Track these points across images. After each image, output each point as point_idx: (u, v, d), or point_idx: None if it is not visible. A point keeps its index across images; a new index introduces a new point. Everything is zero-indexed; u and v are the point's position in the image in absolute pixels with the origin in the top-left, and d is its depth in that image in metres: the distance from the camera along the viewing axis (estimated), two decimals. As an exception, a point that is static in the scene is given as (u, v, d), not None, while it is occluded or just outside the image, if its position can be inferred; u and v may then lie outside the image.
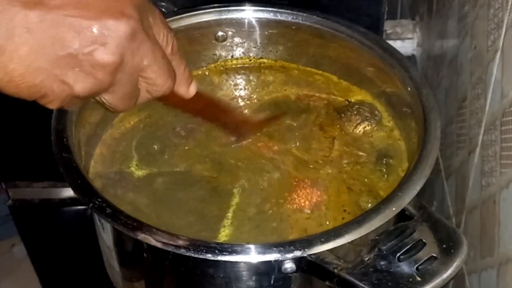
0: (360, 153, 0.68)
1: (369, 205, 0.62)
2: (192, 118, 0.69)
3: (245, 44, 0.77)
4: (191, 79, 0.53)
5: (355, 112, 0.71)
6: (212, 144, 0.68)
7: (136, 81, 0.46)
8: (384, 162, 0.66)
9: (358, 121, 0.71)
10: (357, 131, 0.70)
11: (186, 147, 0.68)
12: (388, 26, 0.99)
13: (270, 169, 0.65)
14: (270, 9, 0.74)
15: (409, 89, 0.65)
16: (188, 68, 0.52)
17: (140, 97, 0.49)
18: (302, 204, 0.62)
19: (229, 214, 0.61)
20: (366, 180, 0.65)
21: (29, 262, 1.21)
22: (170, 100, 0.57)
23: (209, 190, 0.63)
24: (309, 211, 0.62)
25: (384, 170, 0.65)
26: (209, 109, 0.66)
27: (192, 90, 0.53)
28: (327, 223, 0.61)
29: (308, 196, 0.63)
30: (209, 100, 0.68)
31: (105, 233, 0.57)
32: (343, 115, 0.72)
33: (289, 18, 0.74)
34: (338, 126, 0.71)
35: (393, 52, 0.68)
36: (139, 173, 0.65)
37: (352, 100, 0.74)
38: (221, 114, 0.68)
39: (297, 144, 0.68)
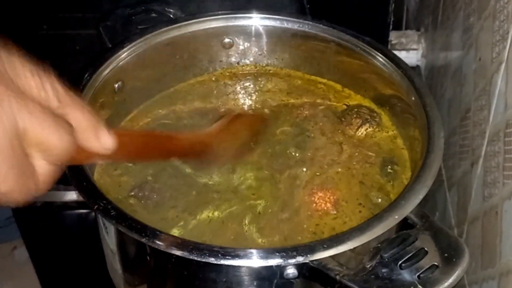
0: (370, 153, 0.68)
1: (379, 200, 0.63)
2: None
3: (252, 51, 0.78)
4: (100, 126, 0.40)
5: (354, 116, 0.72)
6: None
7: (21, 154, 0.35)
8: (390, 168, 0.66)
9: (359, 124, 0.71)
10: (359, 134, 0.71)
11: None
12: (393, 37, 1.00)
13: (281, 185, 0.66)
14: (276, 17, 0.75)
15: (413, 98, 0.65)
16: (91, 114, 0.39)
17: (41, 173, 0.37)
18: (325, 208, 0.63)
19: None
20: (375, 178, 0.66)
21: (31, 265, 1.21)
22: (95, 158, 0.42)
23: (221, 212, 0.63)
24: (335, 212, 0.62)
25: (390, 175, 0.66)
26: (155, 146, 0.51)
27: (105, 140, 0.40)
28: (348, 218, 0.61)
29: (324, 198, 0.63)
30: (146, 136, 0.53)
31: (109, 236, 0.57)
32: (343, 119, 0.73)
33: (295, 27, 0.74)
34: (339, 130, 0.71)
35: (398, 62, 0.69)
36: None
37: (351, 104, 0.75)
38: (171, 144, 0.54)
39: (302, 153, 0.69)
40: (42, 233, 1.15)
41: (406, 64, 0.69)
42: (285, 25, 0.74)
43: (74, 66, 0.93)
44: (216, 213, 0.61)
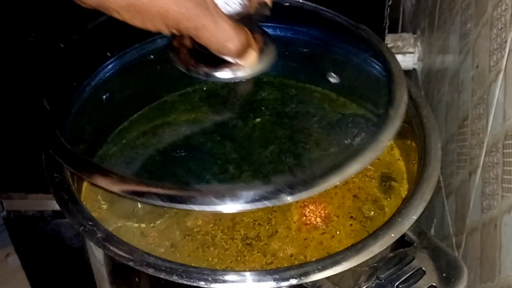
0: (368, 166, 0.67)
1: (372, 213, 0.62)
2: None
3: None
4: None
5: (350, 125, 0.70)
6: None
7: None
8: (388, 184, 0.65)
9: (354, 133, 0.69)
10: (355, 144, 0.69)
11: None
12: (389, 40, 0.98)
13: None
14: (269, 24, 0.73)
15: (409, 108, 0.64)
16: None
17: None
18: (314, 223, 0.61)
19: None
20: (371, 191, 0.64)
21: (24, 272, 1.21)
22: None
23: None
24: (324, 227, 0.61)
25: (388, 191, 0.64)
26: None
27: None
28: (337, 232, 0.60)
29: (315, 213, 0.62)
30: None
31: (96, 256, 0.56)
32: (338, 129, 0.71)
33: (289, 34, 0.72)
34: (335, 141, 0.70)
35: (394, 71, 0.67)
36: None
37: (346, 113, 0.73)
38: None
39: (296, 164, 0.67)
40: (34, 241, 1.14)
41: (403, 73, 0.67)
42: (278, 32, 0.73)
43: (63, 73, 0.92)
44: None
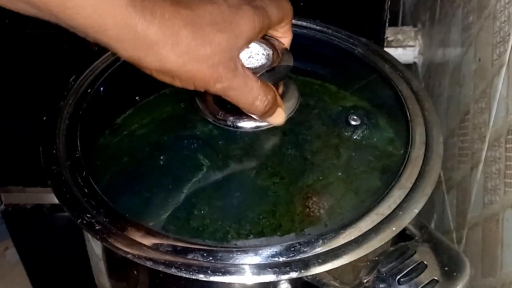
0: (367, 158, 0.66)
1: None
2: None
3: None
4: None
5: (350, 117, 0.70)
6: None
7: None
8: (388, 174, 0.64)
9: (355, 125, 0.69)
10: (356, 136, 0.68)
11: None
12: (390, 33, 0.97)
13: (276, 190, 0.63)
14: None
15: (410, 101, 0.63)
16: None
17: None
18: (318, 214, 0.60)
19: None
20: (372, 184, 0.63)
21: (22, 265, 1.20)
22: None
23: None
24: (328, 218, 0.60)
25: (388, 182, 0.63)
26: None
27: None
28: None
29: (318, 204, 0.61)
30: None
31: (95, 249, 0.55)
32: (338, 121, 0.70)
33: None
34: (335, 133, 0.69)
35: (395, 63, 0.66)
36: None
37: (347, 105, 0.72)
38: None
39: (297, 157, 0.66)
40: (32, 235, 1.13)
41: (403, 66, 0.67)
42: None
43: (62, 65, 0.91)
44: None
